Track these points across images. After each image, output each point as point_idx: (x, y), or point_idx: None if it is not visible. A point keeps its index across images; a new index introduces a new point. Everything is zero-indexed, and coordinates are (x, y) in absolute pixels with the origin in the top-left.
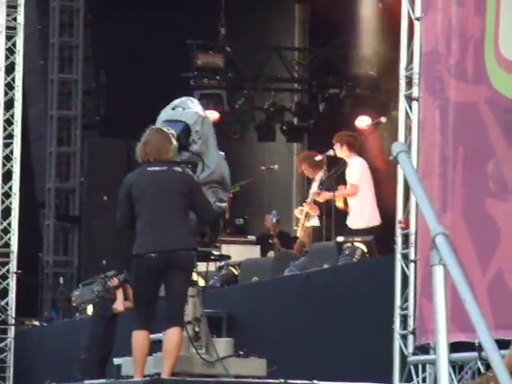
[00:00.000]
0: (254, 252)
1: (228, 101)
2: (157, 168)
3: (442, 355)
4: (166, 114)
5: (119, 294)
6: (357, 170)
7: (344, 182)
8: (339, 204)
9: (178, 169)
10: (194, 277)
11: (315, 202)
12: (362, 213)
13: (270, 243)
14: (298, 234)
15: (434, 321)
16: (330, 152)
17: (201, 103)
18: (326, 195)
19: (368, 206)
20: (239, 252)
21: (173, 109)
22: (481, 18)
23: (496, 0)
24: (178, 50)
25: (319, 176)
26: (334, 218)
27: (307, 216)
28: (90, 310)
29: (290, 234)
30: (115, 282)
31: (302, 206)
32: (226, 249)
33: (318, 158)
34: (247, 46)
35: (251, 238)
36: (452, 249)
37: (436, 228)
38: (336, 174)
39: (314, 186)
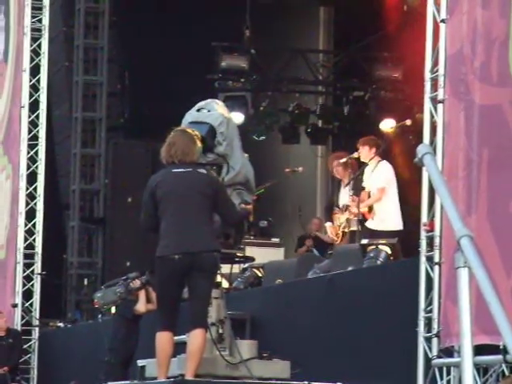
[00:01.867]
0: (277, 254)
1: (252, 103)
2: (181, 169)
3: (467, 358)
4: (191, 115)
5: (141, 295)
6: (385, 173)
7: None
8: (364, 209)
9: (203, 170)
10: (218, 278)
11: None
12: (386, 217)
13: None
14: (339, 241)
15: (459, 323)
16: (355, 155)
17: (226, 105)
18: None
19: (393, 211)
20: (263, 254)
21: (198, 111)
22: (505, 20)
23: None
24: (203, 52)
25: (349, 179)
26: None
27: (348, 222)
28: (113, 311)
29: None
30: (137, 283)
31: (337, 211)
32: (249, 251)
33: (343, 160)
34: (272, 48)
35: (275, 240)
36: (477, 251)
37: (461, 230)
38: (360, 179)
39: (347, 190)
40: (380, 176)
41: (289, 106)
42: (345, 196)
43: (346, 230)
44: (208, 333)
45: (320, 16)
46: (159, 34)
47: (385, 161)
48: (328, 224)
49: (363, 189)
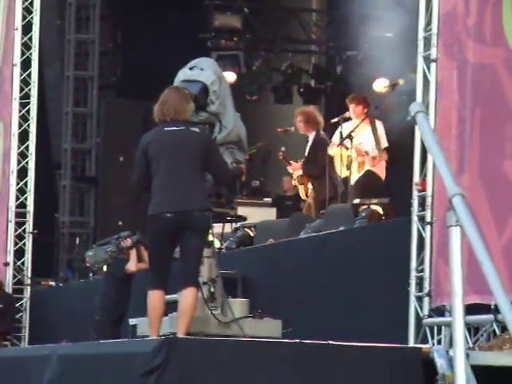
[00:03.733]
0: (270, 214)
1: (245, 62)
2: (174, 128)
3: (458, 317)
4: (183, 73)
5: (132, 254)
6: (383, 133)
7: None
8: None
9: (196, 129)
10: (210, 238)
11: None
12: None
13: (286, 205)
14: (304, 196)
15: (450, 282)
16: (346, 114)
17: (218, 64)
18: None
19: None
20: (255, 214)
21: (190, 69)
22: None
23: None
24: (195, 11)
25: (312, 136)
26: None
27: (301, 177)
28: (104, 270)
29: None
30: (128, 242)
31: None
32: (242, 211)
33: (334, 120)
34: (265, 7)
35: (267, 200)
36: (469, 210)
37: (453, 189)
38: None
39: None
40: (381, 135)
41: (281, 66)
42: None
43: (298, 184)
44: (199, 291)
45: None
46: None
47: (378, 120)
48: (285, 178)
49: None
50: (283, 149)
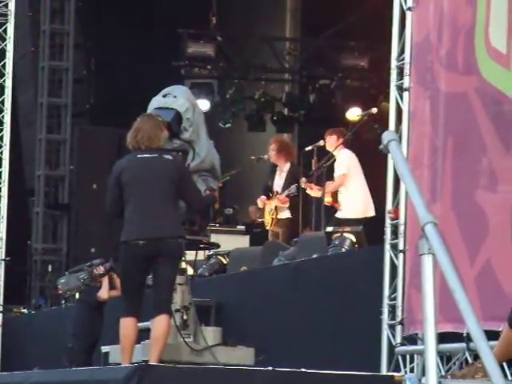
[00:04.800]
0: (243, 242)
1: (219, 90)
2: (147, 155)
3: (430, 345)
4: (157, 101)
5: (105, 282)
6: (345, 160)
7: (331, 177)
8: (328, 199)
9: (169, 156)
10: (183, 265)
11: (288, 195)
12: (353, 204)
13: (255, 233)
14: (269, 226)
15: (423, 311)
16: (320, 143)
17: (192, 92)
18: (316, 191)
19: (360, 197)
20: (228, 242)
21: (164, 96)
22: (472, 8)
23: None
24: (168, 39)
25: (287, 167)
26: (321, 210)
27: (277, 209)
28: (76, 297)
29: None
30: (101, 269)
31: (269, 197)
32: (215, 238)
33: (308, 148)
34: (238, 35)
35: (240, 227)
36: (441, 238)
37: (426, 217)
38: (325, 167)
39: (282, 178)
40: (340, 163)
41: (255, 94)
42: (279, 182)
43: (274, 216)
44: (172, 319)
45: (287, 3)
46: (125, 21)
47: (344, 148)
48: (251, 207)
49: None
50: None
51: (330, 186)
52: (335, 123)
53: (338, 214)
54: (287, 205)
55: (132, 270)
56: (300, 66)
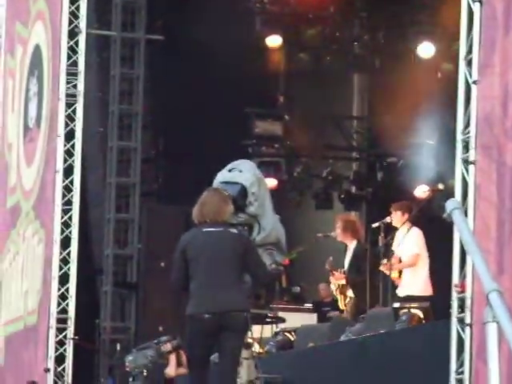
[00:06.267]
0: (310, 319)
1: (286, 169)
2: (213, 229)
3: None
4: (222, 175)
5: (172, 358)
6: (418, 239)
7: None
8: (394, 275)
9: (234, 230)
10: (249, 340)
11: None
12: (418, 282)
13: (324, 311)
14: (342, 306)
15: (488, 382)
16: (387, 219)
17: (260, 171)
18: (339, 278)
19: (424, 276)
20: (296, 319)
21: (229, 171)
22: None
23: None
24: (237, 118)
25: (353, 245)
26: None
27: (343, 287)
28: (144, 374)
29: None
30: (168, 347)
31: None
32: (282, 315)
33: (375, 225)
34: (305, 114)
35: (308, 305)
36: (506, 306)
37: (490, 285)
38: (389, 243)
39: (348, 256)
40: (413, 242)
41: (322, 172)
42: (347, 260)
43: (338, 294)
44: None
45: (354, 82)
46: (193, 100)
47: (416, 227)
48: (321, 285)
49: (392, 254)
50: (331, 258)
51: (402, 264)
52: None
53: (399, 291)
54: (343, 281)
55: (197, 344)
56: (367, 145)
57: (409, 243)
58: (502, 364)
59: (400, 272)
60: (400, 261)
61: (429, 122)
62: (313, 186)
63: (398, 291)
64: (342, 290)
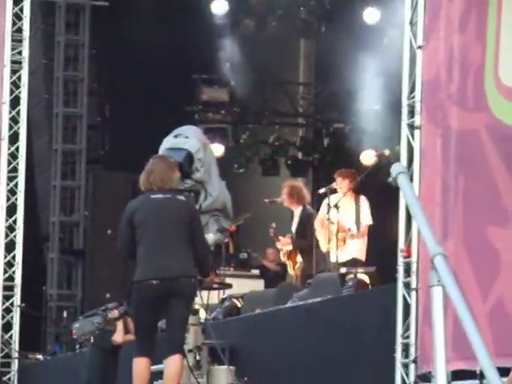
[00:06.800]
0: (257, 286)
1: (233, 135)
2: (160, 196)
3: (440, 381)
4: (168, 142)
5: (119, 325)
6: (368, 209)
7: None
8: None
9: (181, 197)
10: (196, 307)
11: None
12: (362, 248)
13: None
14: (292, 272)
15: (433, 345)
16: (333, 185)
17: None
18: (285, 244)
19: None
20: (243, 285)
21: (175, 137)
22: (481, 45)
23: (496, 28)
24: (182, 84)
25: (299, 210)
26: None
27: (292, 252)
28: (91, 341)
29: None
30: (115, 313)
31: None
32: (229, 282)
33: (321, 191)
34: (252, 80)
35: (255, 271)
36: (451, 270)
37: (435, 249)
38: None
39: (295, 222)
40: (365, 212)
41: (269, 138)
42: (293, 226)
43: (286, 260)
44: (185, 359)
45: (301, 48)
46: (139, 67)
47: (363, 196)
48: (269, 250)
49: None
50: (274, 225)
51: (357, 234)
52: (349, 167)
53: (344, 256)
54: (290, 246)
55: (145, 310)
56: (314, 110)
57: (364, 214)
58: (447, 327)
59: (342, 241)
60: (349, 230)
61: (375, 87)
62: (259, 152)
63: (342, 256)
64: (290, 255)
